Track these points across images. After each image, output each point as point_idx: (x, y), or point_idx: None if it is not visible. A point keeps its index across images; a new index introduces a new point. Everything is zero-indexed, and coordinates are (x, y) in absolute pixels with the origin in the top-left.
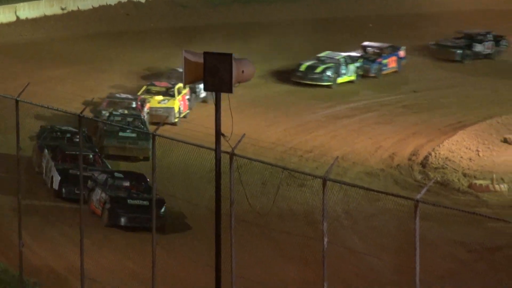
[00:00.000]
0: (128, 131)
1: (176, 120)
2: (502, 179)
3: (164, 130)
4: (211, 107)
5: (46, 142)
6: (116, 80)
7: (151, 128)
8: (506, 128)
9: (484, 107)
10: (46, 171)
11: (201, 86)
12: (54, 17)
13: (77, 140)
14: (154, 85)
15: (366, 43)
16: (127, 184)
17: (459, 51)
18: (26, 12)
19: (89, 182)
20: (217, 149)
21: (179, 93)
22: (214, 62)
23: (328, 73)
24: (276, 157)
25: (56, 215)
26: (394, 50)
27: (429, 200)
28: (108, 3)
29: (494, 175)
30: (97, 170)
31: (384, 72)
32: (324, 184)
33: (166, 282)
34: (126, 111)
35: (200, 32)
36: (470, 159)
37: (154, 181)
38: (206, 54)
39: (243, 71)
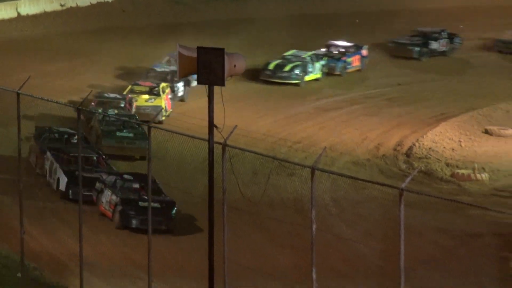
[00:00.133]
0: (125, 131)
1: (164, 118)
2: (483, 168)
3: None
4: (204, 100)
5: (45, 144)
6: (108, 75)
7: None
8: (487, 119)
9: (464, 100)
10: (51, 173)
11: (179, 85)
12: (53, 14)
13: (75, 141)
14: (138, 84)
15: (330, 42)
16: (136, 186)
17: (416, 49)
18: (26, 8)
19: (97, 184)
20: (210, 140)
21: (163, 92)
22: (207, 57)
23: (296, 71)
24: (267, 148)
25: (63, 215)
26: (357, 49)
27: (413, 188)
28: (105, 0)
29: (476, 165)
30: (106, 172)
31: (348, 70)
32: (312, 174)
33: (162, 267)
34: (116, 111)
35: (184, 28)
36: (452, 149)
37: (149, 170)
38: (199, 48)
39: (235, 65)
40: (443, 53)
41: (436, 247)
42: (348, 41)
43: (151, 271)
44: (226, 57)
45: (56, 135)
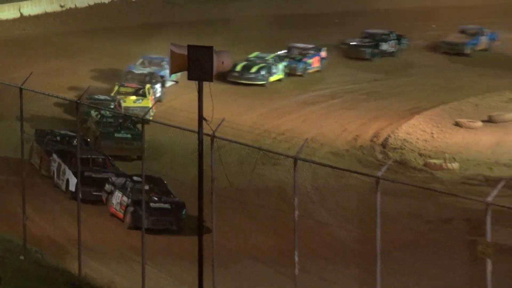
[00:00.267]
0: (122, 132)
1: (151, 118)
2: (453, 158)
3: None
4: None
5: (49, 147)
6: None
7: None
8: (457, 113)
9: (434, 94)
10: (59, 174)
11: (157, 86)
12: (54, 14)
13: (75, 144)
14: (124, 86)
15: (292, 44)
16: (146, 187)
17: (368, 50)
18: (29, 9)
19: (107, 186)
20: (200, 132)
21: (149, 93)
22: (197, 54)
23: (262, 72)
24: (253, 139)
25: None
26: (317, 51)
27: (389, 177)
28: (103, 1)
29: (447, 155)
30: (114, 173)
31: (309, 71)
32: (295, 163)
33: (154, 250)
34: (108, 112)
35: (169, 28)
36: (425, 140)
37: (143, 161)
38: (189, 47)
39: (223, 62)
40: (392, 54)
41: (410, 231)
42: (308, 43)
43: (144, 254)
44: (214, 55)
45: (58, 137)
